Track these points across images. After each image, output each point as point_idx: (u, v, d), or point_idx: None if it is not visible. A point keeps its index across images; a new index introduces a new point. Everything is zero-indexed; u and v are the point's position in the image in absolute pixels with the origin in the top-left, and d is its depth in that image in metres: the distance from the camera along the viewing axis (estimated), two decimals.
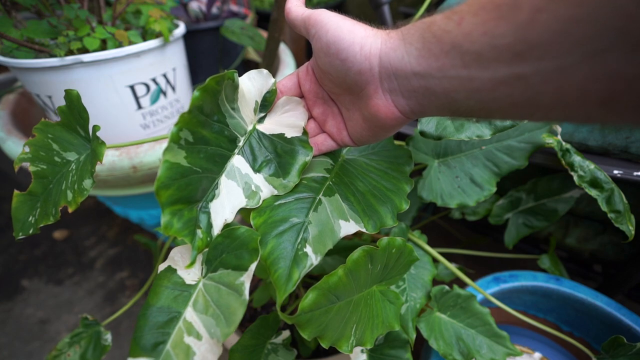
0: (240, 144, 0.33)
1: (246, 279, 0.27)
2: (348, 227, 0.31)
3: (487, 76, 0.20)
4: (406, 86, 0.25)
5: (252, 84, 0.33)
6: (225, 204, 0.30)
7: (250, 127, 0.34)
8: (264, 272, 0.56)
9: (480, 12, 0.19)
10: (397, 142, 0.42)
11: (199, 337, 0.27)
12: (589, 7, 0.15)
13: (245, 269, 0.28)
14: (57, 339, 0.94)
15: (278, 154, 0.34)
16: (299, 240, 0.29)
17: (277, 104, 0.35)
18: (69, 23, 0.63)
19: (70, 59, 0.59)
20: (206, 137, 0.29)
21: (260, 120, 0.35)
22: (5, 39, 0.57)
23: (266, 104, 0.34)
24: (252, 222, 0.30)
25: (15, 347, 0.93)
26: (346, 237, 0.69)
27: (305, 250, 0.29)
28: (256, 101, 0.33)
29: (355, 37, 0.26)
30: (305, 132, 0.34)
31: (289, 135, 0.34)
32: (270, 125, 0.35)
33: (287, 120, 0.34)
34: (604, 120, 0.18)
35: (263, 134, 0.34)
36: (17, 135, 0.72)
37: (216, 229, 0.29)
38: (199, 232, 0.28)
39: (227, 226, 0.30)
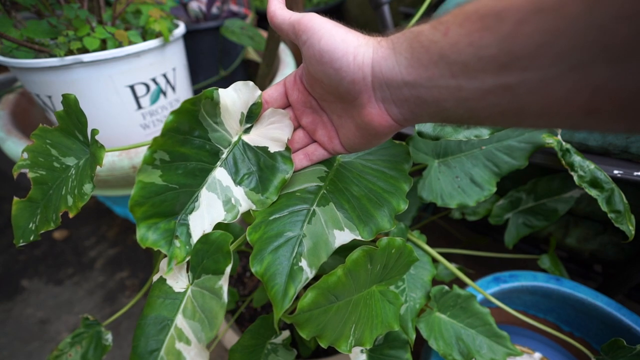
0: (224, 156, 0.33)
1: (224, 283, 0.28)
2: (343, 237, 0.31)
3: (474, 86, 0.20)
4: (398, 95, 0.25)
5: (237, 96, 0.33)
6: (205, 216, 0.31)
7: (235, 138, 0.34)
8: None
9: (465, 23, 0.20)
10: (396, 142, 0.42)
11: (188, 342, 0.28)
12: (568, 20, 0.16)
13: (222, 272, 0.28)
14: (57, 339, 0.94)
15: (260, 167, 0.34)
16: (294, 254, 0.29)
17: (263, 115, 0.34)
18: (68, 23, 0.63)
19: (70, 59, 0.59)
20: (185, 153, 0.30)
21: (246, 131, 0.35)
22: (5, 38, 0.57)
23: (252, 116, 0.34)
24: (248, 238, 0.30)
25: (15, 347, 0.93)
26: None
27: (300, 264, 0.29)
28: (242, 112, 0.33)
29: (349, 47, 0.25)
30: (287, 148, 0.34)
31: (272, 149, 0.34)
32: (256, 137, 0.34)
33: (272, 133, 0.34)
34: (591, 128, 0.18)
35: (248, 145, 0.34)
36: (17, 135, 0.72)
37: (195, 239, 0.30)
38: (176, 242, 0.29)
39: None
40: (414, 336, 0.41)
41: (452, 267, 0.48)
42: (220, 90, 0.31)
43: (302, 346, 0.57)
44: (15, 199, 0.36)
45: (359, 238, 0.31)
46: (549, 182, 0.58)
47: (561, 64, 0.17)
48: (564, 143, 0.48)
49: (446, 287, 0.46)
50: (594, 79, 0.16)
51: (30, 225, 0.35)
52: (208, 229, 0.31)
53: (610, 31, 0.15)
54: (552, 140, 0.48)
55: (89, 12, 0.64)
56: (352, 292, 0.33)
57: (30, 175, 0.35)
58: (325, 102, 0.32)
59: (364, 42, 0.26)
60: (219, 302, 0.27)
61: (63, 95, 0.33)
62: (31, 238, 0.34)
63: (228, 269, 0.28)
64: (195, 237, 0.30)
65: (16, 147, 0.69)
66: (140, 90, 0.70)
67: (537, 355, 0.61)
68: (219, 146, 0.32)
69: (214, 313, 0.27)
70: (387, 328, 0.35)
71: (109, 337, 0.47)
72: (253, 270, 0.28)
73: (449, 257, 0.51)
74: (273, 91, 0.34)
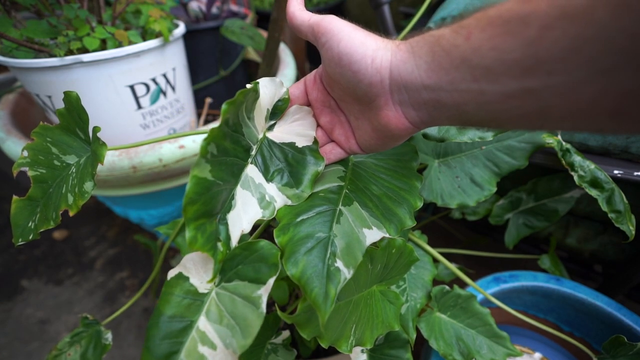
0: (253, 152, 0.32)
1: (264, 293, 0.27)
2: (373, 235, 0.31)
3: (497, 89, 0.20)
4: (416, 98, 0.25)
5: (263, 92, 0.32)
6: (242, 215, 0.30)
7: (260, 135, 0.34)
8: None
9: (488, 27, 0.20)
10: None
11: (213, 346, 0.27)
12: (597, 27, 0.16)
13: (264, 283, 0.27)
14: (57, 339, 0.94)
15: (289, 163, 0.33)
16: (328, 255, 0.28)
17: (288, 112, 0.34)
18: (68, 23, 0.63)
19: (69, 58, 0.59)
20: (227, 148, 0.29)
21: (270, 128, 0.34)
22: (4, 38, 0.57)
23: (277, 112, 0.34)
24: (276, 240, 0.29)
25: (15, 347, 0.93)
26: None
27: (336, 265, 0.28)
28: (267, 109, 0.33)
29: (367, 50, 0.26)
30: (315, 142, 0.34)
31: (299, 144, 0.34)
32: (280, 134, 0.34)
33: (297, 129, 0.34)
34: (615, 131, 0.18)
35: (273, 142, 0.34)
36: (17, 135, 0.72)
37: (234, 241, 0.29)
38: (219, 245, 0.28)
39: (243, 238, 0.30)
40: (414, 336, 0.41)
41: (453, 267, 0.48)
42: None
43: (302, 346, 0.57)
44: (15, 197, 0.35)
45: (387, 235, 0.31)
46: (549, 182, 0.58)
47: (588, 69, 0.17)
48: (564, 143, 0.48)
49: (447, 287, 0.46)
50: (622, 84, 0.16)
51: (30, 224, 0.35)
52: (247, 227, 0.30)
53: (636, 37, 0.15)
54: (552, 140, 0.48)
55: (88, 12, 0.64)
56: (353, 292, 0.33)
57: (30, 173, 0.35)
58: (343, 103, 0.32)
59: (382, 45, 0.26)
60: (255, 311, 0.26)
61: (65, 93, 0.33)
62: (30, 237, 0.34)
63: (271, 281, 0.27)
64: (234, 238, 0.29)
65: (16, 147, 0.69)
66: (140, 90, 0.70)
67: (537, 355, 0.61)
68: (249, 142, 0.32)
69: (249, 321, 0.26)
70: (388, 328, 0.35)
71: (108, 336, 0.46)
72: (289, 273, 0.27)
73: (449, 257, 0.51)
74: (294, 89, 0.34)
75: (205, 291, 0.29)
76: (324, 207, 0.32)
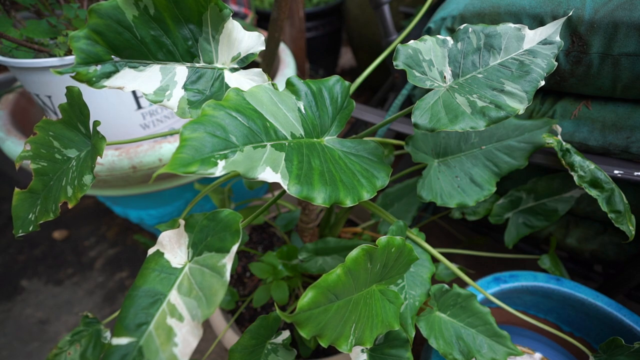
0: (198, 65, 0.35)
1: (228, 261, 0.27)
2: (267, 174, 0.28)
3: None
4: None
5: (244, 39, 0.35)
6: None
7: (219, 66, 0.36)
8: (264, 272, 0.56)
9: None
10: (396, 142, 0.42)
11: (181, 318, 0.27)
12: None
13: (227, 251, 0.28)
14: (57, 339, 0.94)
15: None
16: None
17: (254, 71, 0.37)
18: (68, 22, 0.63)
19: (69, 58, 0.59)
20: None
21: (233, 70, 0.37)
22: (4, 38, 0.57)
23: (245, 61, 0.37)
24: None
25: (15, 347, 0.93)
26: (345, 236, 0.69)
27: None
28: (239, 53, 0.36)
29: None
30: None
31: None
32: (237, 79, 0.37)
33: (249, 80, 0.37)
34: None
35: (226, 84, 0.36)
36: (16, 135, 0.72)
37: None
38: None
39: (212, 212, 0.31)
40: (413, 334, 0.41)
41: (453, 266, 0.48)
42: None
43: (302, 346, 0.57)
44: (17, 189, 0.37)
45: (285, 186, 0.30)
46: (549, 181, 0.58)
47: None
48: (564, 143, 0.48)
49: (446, 286, 0.46)
50: None
51: (30, 215, 0.36)
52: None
53: None
54: (553, 140, 0.48)
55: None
56: (352, 292, 0.33)
57: (32, 166, 0.36)
58: None
59: None
60: (220, 280, 0.27)
61: (67, 87, 0.34)
62: (30, 228, 0.35)
63: (234, 248, 0.28)
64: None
65: (15, 147, 0.69)
66: None
67: (538, 355, 0.61)
68: (199, 52, 0.35)
69: (214, 290, 0.27)
70: (388, 327, 0.35)
71: (108, 334, 0.46)
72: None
73: (449, 257, 0.51)
74: None
75: (179, 266, 0.30)
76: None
